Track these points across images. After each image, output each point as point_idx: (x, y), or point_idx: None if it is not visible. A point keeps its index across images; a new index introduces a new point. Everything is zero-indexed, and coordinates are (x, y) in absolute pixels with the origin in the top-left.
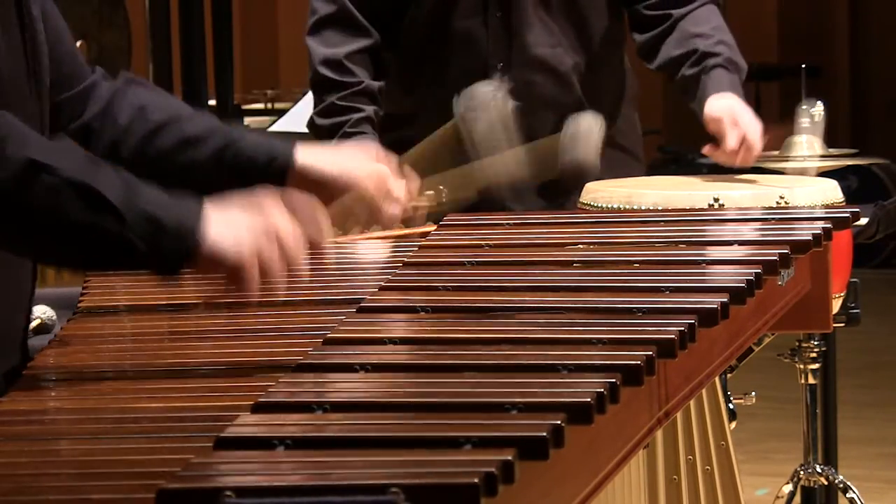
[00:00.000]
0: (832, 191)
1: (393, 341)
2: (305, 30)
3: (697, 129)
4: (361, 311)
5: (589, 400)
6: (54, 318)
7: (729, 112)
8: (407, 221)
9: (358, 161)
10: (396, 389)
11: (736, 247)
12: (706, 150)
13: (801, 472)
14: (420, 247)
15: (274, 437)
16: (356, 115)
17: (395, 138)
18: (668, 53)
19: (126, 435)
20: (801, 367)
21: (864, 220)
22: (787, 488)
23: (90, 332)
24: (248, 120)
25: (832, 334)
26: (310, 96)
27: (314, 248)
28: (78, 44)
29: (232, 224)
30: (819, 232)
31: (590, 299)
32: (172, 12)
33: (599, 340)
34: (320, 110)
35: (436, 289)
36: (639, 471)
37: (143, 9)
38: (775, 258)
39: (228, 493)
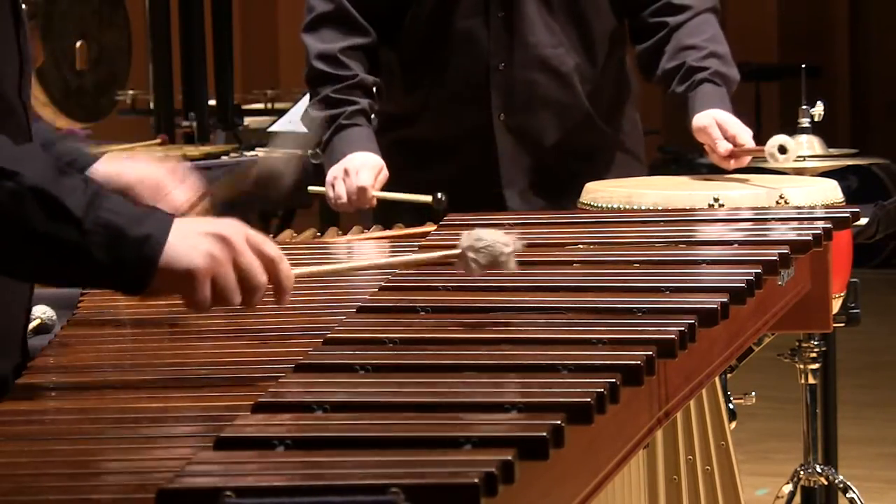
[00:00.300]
0: (832, 191)
1: (393, 341)
2: (302, 27)
3: None
4: (361, 311)
5: (589, 400)
6: (54, 318)
7: (714, 121)
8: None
9: (135, 166)
10: (396, 389)
11: (736, 247)
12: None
13: (801, 472)
14: (420, 247)
15: (274, 437)
16: (350, 108)
17: (397, 138)
18: (662, 67)
19: (126, 435)
20: (801, 367)
21: (864, 220)
22: (787, 488)
23: (90, 332)
24: (248, 120)
25: (832, 334)
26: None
27: (276, 280)
28: (78, 44)
29: (191, 234)
30: (819, 232)
31: (590, 299)
32: (172, 12)
33: (599, 340)
34: (315, 103)
35: (436, 289)
36: (639, 471)
37: (143, 9)
38: (775, 258)
39: (228, 493)
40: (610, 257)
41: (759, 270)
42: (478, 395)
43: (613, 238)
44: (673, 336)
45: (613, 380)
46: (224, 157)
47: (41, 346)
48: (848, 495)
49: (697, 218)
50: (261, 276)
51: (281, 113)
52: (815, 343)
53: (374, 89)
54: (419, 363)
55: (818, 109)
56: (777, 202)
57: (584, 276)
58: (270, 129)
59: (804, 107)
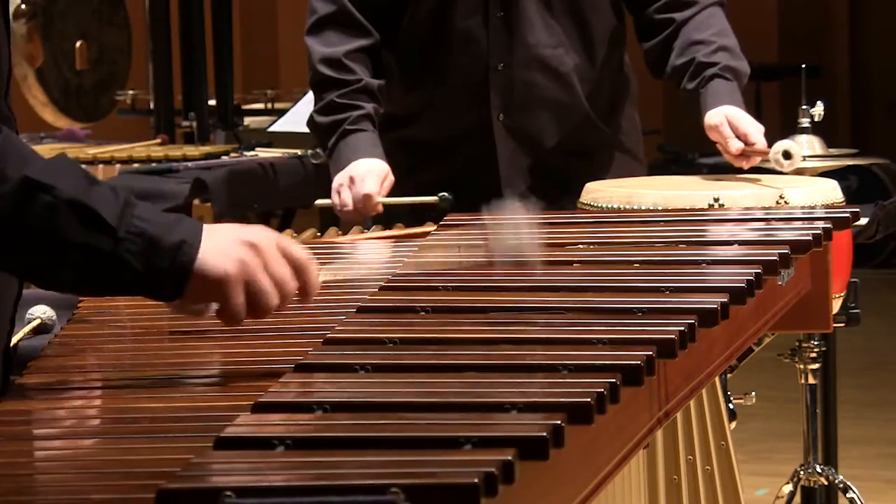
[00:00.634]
0: (832, 191)
1: (393, 341)
2: (304, 29)
3: (697, 129)
4: (361, 311)
5: (589, 400)
6: (54, 318)
7: (725, 119)
8: None
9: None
10: (396, 389)
11: (736, 247)
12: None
13: (801, 472)
14: (420, 247)
15: (274, 437)
16: (356, 113)
17: (396, 138)
18: (671, 64)
19: (126, 435)
20: (801, 367)
21: (864, 220)
22: (787, 488)
23: (90, 332)
24: (248, 120)
25: (832, 334)
26: (310, 96)
27: (303, 282)
28: (78, 44)
29: (223, 241)
30: (819, 232)
31: (590, 299)
32: (172, 12)
33: (599, 340)
34: (320, 108)
35: (436, 289)
36: (639, 471)
37: (143, 9)
38: (775, 258)
39: (228, 493)
40: (610, 257)
41: (759, 270)
42: (478, 395)
43: (613, 238)
44: (673, 336)
45: (613, 380)
46: (224, 157)
47: (41, 346)
48: (848, 495)
49: (697, 218)
50: (291, 283)
51: (281, 113)
52: (815, 343)
53: (380, 94)
54: (419, 363)
55: (818, 109)
56: (777, 202)
57: (584, 276)
58: (270, 129)
59: (804, 107)
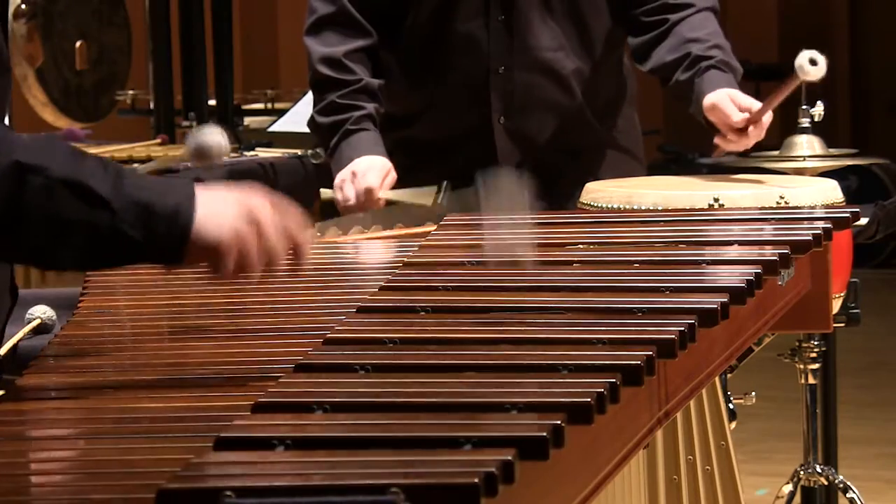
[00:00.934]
0: (832, 191)
1: (393, 341)
2: (304, 29)
3: (697, 129)
4: (361, 311)
5: (589, 400)
6: (54, 318)
7: (726, 95)
8: None
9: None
10: (396, 389)
11: (736, 247)
12: (716, 140)
13: (801, 472)
14: (420, 247)
15: (274, 437)
16: (357, 113)
17: (397, 138)
18: (661, 58)
19: (126, 435)
20: (801, 367)
21: (864, 220)
22: (787, 488)
23: (90, 332)
24: (248, 120)
25: (832, 334)
26: (310, 96)
27: (297, 248)
28: (78, 44)
29: (219, 207)
30: (819, 232)
31: (590, 299)
32: (172, 12)
33: (599, 340)
34: (321, 109)
35: (436, 289)
36: (639, 471)
37: (143, 9)
38: (775, 258)
39: (228, 493)
40: (610, 257)
41: (759, 270)
42: (478, 395)
43: (613, 238)
44: (673, 336)
45: (613, 380)
46: (224, 157)
47: (41, 346)
48: (848, 495)
49: (697, 218)
50: (282, 250)
51: (281, 113)
52: (815, 343)
53: (380, 94)
54: (419, 363)
55: (818, 109)
56: (777, 202)
57: (584, 276)
58: (270, 129)
59: (804, 107)
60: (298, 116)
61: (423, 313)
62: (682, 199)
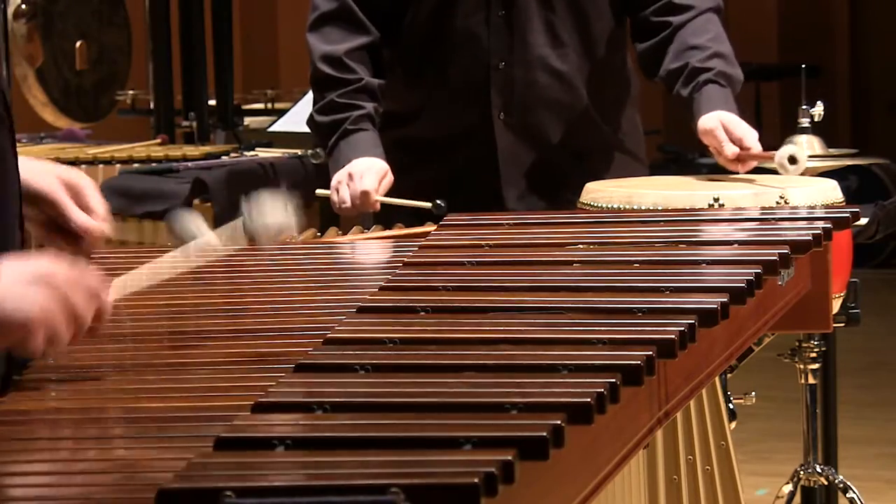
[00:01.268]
0: (832, 191)
1: (393, 341)
2: (306, 26)
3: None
4: (361, 311)
5: (589, 400)
6: None
7: (719, 123)
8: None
9: (51, 170)
10: (396, 389)
11: (736, 247)
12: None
13: (801, 472)
14: (420, 247)
15: (274, 437)
16: (356, 112)
17: (396, 136)
18: (666, 67)
19: (126, 435)
20: (801, 367)
21: (864, 220)
22: (787, 488)
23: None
24: (248, 120)
25: (832, 334)
26: (310, 96)
27: (98, 309)
28: (78, 44)
29: (19, 287)
30: (819, 232)
31: (590, 299)
32: (172, 12)
33: (599, 340)
34: (320, 107)
35: (436, 289)
36: (639, 471)
37: (143, 9)
38: (775, 258)
39: (228, 493)
40: (610, 257)
41: (759, 270)
42: (478, 395)
43: (613, 238)
44: (673, 336)
45: (613, 380)
46: (224, 157)
47: None
48: (848, 495)
49: (697, 218)
50: (88, 314)
51: (281, 113)
52: (815, 343)
53: (380, 93)
54: (419, 363)
55: (818, 109)
56: (777, 202)
57: (584, 276)
58: (270, 129)
59: (804, 107)
60: (298, 116)
61: (423, 313)
62: (682, 199)
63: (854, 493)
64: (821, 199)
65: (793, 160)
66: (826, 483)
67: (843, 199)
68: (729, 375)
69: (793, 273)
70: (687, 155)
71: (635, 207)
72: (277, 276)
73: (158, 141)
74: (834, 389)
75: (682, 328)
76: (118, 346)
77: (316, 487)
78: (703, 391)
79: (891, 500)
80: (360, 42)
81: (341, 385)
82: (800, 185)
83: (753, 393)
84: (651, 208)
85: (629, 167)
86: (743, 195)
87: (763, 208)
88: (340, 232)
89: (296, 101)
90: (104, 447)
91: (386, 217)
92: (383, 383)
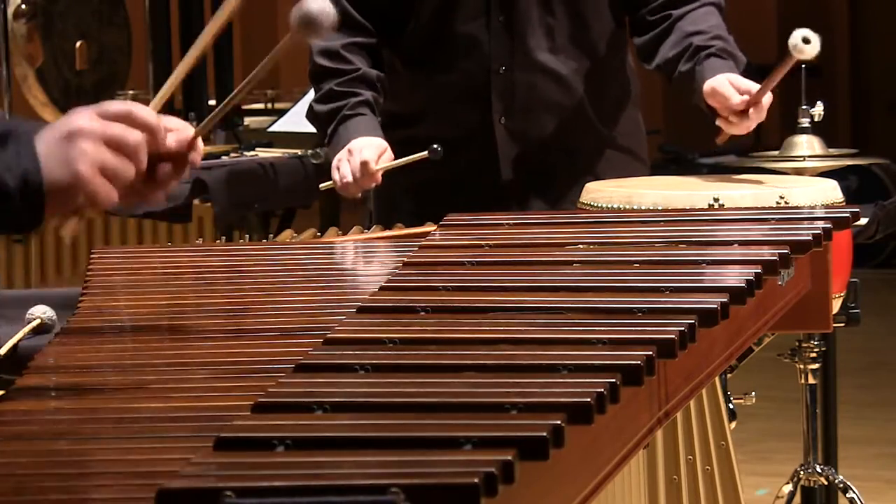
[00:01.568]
0: (832, 191)
1: (393, 341)
2: None
3: (697, 129)
4: (361, 311)
5: (589, 400)
6: (54, 318)
7: (724, 79)
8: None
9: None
10: (396, 389)
11: (736, 247)
12: (719, 122)
13: (801, 472)
14: (420, 247)
15: (274, 437)
16: (354, 99)
17: (400, 137)
18: (665, 54)
19: (126, 435)
20: (801, 367)
21: (864, 220)
22: (787, 488)
23: (90, 332)
24: (248, 120)
25: (832, 334)
26: (310, 96)
27: (153, 137)
28: (78, 44)
29: (58, 148)
30: (819, 232)
31: (590, 299)
32: (172, 12)
33: (599, 340)
34: (319, 97)
35: (436, 289)
36: (639, 471)
37: (143, 9)
38: (775, 258)
39: (228, 493)
40: (610, 257)
41: (759, 270)
42: (478, 395)
43: (613, 238)
44: (673, 336)
45: (613, 380)
46: (224, 157)
47: (41, 346)
48: (848, 495)
49: (697, 218)
50: (131, 136)
51: (281, 113)
52: (815, 343)
53: (379, 84)
54: (419, 363)
55: (818, 109)
56: (777, 202)
57: (584, 276)
58: (270, 129)
59: (804, 107)
60: (298, 116)
61: (423, 313)
62: (682, 199)
63: (854, 493)
64: (821, 199)
65: (806, 40)
66: (826, 483)
67: (843, 199)
68: (729, 375)
69: (793, 273)
70: (687, 155)
71: (635, 207)
72: (277, 276)
73: None
74: (834, 389)
75: (682, 328)
76: (118, 346)
77: (316, 487)
78: (703, 391)
79: (891, 500)
80: (357, 39)
81: (341, 385)
82: (800, 185)
83: (753, 393)
84: (651, 208)
85: (630, 167)
86: (743, 195)
87: (763, 208)
88: (340, 232)
89: (296, 101)
90: (104, 447)
91: (386, 217)
92: (383, 383)
